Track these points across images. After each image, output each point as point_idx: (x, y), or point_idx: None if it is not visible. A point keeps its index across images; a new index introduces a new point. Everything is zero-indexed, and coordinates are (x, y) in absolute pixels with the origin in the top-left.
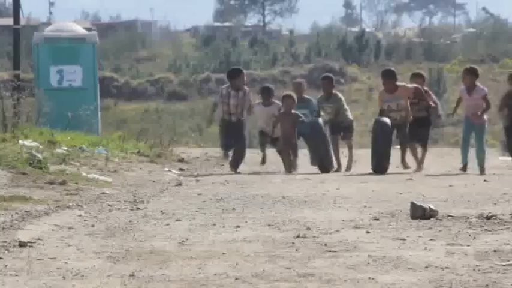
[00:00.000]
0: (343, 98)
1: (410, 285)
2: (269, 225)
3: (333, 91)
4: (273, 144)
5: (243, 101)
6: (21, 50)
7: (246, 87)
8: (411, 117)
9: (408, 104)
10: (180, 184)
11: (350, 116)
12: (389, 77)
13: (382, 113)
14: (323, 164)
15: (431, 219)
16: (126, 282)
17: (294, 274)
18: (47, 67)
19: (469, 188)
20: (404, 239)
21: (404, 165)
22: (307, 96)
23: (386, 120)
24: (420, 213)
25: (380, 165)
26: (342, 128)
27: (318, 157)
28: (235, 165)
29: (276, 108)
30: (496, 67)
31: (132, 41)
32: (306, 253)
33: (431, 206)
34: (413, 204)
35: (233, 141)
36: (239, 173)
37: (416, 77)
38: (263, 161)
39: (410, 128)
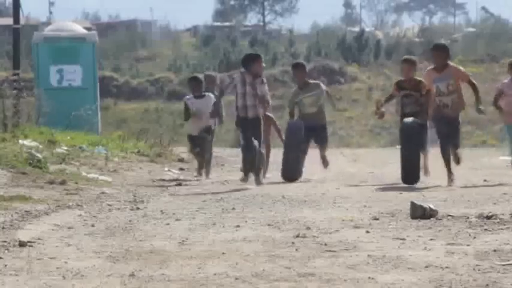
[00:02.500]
0: (324, 88)
1: (410, 285)
2: (269, 225)
3: (310, 80)
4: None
5: (263, 92)
6: (21, 50)
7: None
8: (465, 104)
9: (460, 87)
10: (180, 184)
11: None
12: (440, 50)
13: (431, 95)
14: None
15: (431, 219)
16: (126, 282)
17: (293, 274)
18: (47, 67)
19: (469, 188)
20: (404, 239)
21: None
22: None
23: (413, 122)
24: (420, 213)
25: (409, 176)
26: (317, 131)
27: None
28: (259, 179)
29: (210, 101)
30: (496, 67)
31: (132, 40)
32: (305, 253)
33: (431, 206)
34: (413, 204)
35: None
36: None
37: (406, 64)
38: (199, 171)
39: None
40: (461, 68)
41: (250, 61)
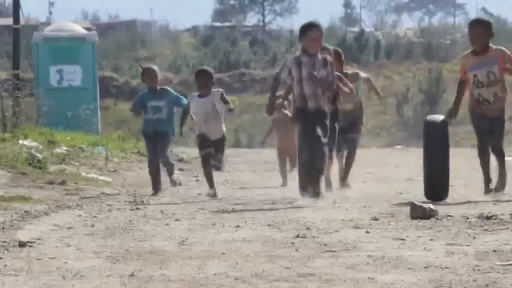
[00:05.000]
0: (364, 76)
1: (410, 285)
2: (269, 225)
3: (348, 70)
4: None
5: (330, 73)
6: (21, 50)
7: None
8: (507, 95)
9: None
10: (180, 184)
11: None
12: (481, 26)
13: (462, 86)
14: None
15: (431, 219)
16: (126, 282)
17: (293, 274)
18: (46, 67)
19: (469, 187)
20: (404, 239)
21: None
22: (164, 87)
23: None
24: (420, 213)
25: (436, 191)
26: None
27: None
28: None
29: (216, 99)
30: None
31: (132, 40)
32: (305, 253)
33: (431, 206)
34: (413, 204)
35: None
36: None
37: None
38: (211, 185)
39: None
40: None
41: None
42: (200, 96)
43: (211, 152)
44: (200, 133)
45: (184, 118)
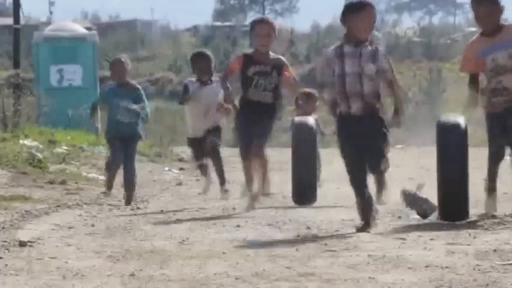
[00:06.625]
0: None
1: (411, 284)
2: (269, 224)
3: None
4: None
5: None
6: (21, 50)
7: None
8: None
9: None
10: (180, 183)
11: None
12: (487, 0)
13: (474, 80)
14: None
15: (431, 218)
16: (126, 282)
17: (294, 273)
18: (47, 66)
19: (469, 187)
20: (404, 239)
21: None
22: (136, 85)
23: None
24: (420, 212)
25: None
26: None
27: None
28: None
29: (219, 89)
30: None
31: (132, 40)
32: (306, 253)
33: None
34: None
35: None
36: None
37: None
38: (206, 188)
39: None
40: None
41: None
42: (202, 83)
43: (206, 164)
44: (191, 138)
45: (183, 103)
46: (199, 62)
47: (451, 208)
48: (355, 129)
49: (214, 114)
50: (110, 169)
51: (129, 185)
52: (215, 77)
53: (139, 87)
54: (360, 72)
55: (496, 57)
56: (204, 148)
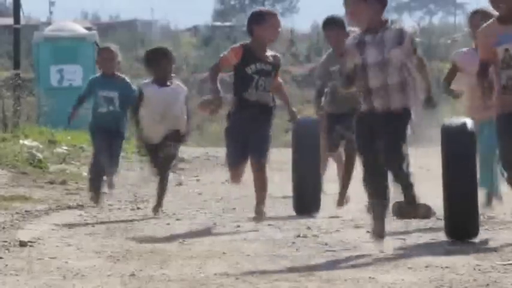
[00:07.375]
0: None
1: (411, 284)
2: (269, 224)
3: None
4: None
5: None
6: (21, 50)
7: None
8: None
9: None
10: (180, 184)
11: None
12: None
13: (485, 71)
14: None
15: (431, 218)
16: (127, 282)
17: (294, 273)
18: (47, 66)
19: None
20: (404, 239)
21: None
22: (122, 75)
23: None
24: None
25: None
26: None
27: None
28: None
29: (181, 92)
30: None
31: (132, 40)
32: (306, 253)
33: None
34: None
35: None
36: None
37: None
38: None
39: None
40: None
41: None
42: (158, 84)
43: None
44: (147, 143)
45: (136, 112)
46: (159, 60)
47: (460, 225)
48: (377, 129)
49: (173, 118)
50: (92, 172)
51: (109, 178)
52: (175, 77)
53: (123, 76)
54: (384, 61)
55: (508, 48)
56: (159, 157)
